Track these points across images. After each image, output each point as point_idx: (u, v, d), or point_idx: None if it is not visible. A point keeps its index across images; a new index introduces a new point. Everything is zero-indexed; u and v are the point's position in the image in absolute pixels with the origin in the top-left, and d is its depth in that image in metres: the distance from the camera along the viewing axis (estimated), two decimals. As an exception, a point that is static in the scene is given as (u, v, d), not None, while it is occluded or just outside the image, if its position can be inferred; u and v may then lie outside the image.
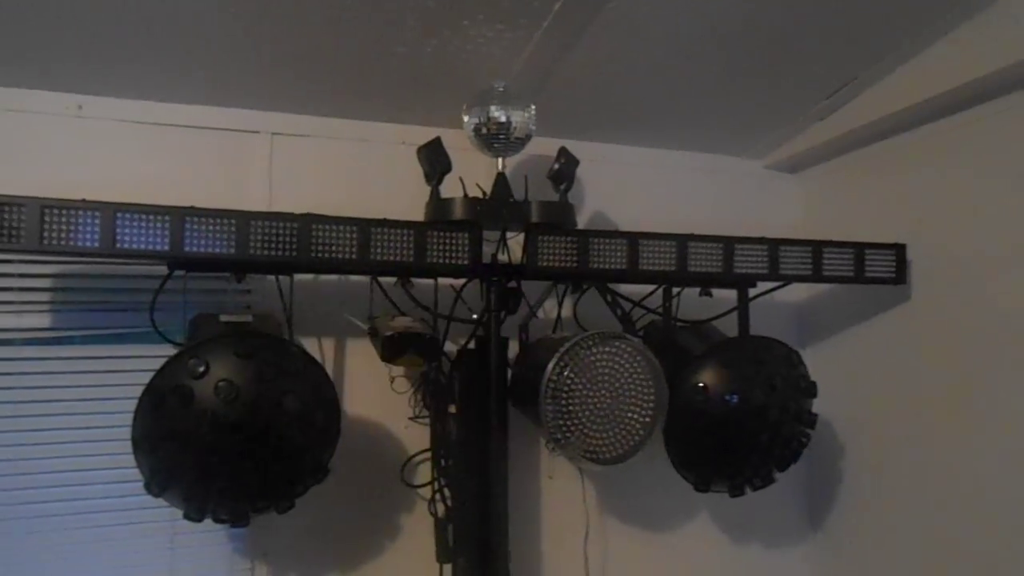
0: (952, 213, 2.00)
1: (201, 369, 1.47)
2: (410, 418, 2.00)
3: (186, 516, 1.51)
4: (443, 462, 1.93)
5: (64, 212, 1.45)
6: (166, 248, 1.52)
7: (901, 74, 1.97)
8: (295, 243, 1.61)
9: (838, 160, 2.39)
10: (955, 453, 1.97)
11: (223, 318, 1.68)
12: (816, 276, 1.99)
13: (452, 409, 1.90)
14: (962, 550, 1.94)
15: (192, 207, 1.53)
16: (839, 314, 2.39)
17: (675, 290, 2.08)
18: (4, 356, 1.80)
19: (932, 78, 1.88)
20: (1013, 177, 1.83)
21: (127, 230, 1.49)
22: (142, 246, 1.50)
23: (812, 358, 2.39)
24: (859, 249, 2.02)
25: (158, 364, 1.48)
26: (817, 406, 1.97)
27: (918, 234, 2.07)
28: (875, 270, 2.03)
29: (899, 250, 2.06)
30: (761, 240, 1.93)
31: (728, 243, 1.90)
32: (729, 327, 2.00)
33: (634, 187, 2.34)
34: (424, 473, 2.02)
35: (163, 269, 1.63)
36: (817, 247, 1.98)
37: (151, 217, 1.51)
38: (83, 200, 1.45)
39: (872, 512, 2.26)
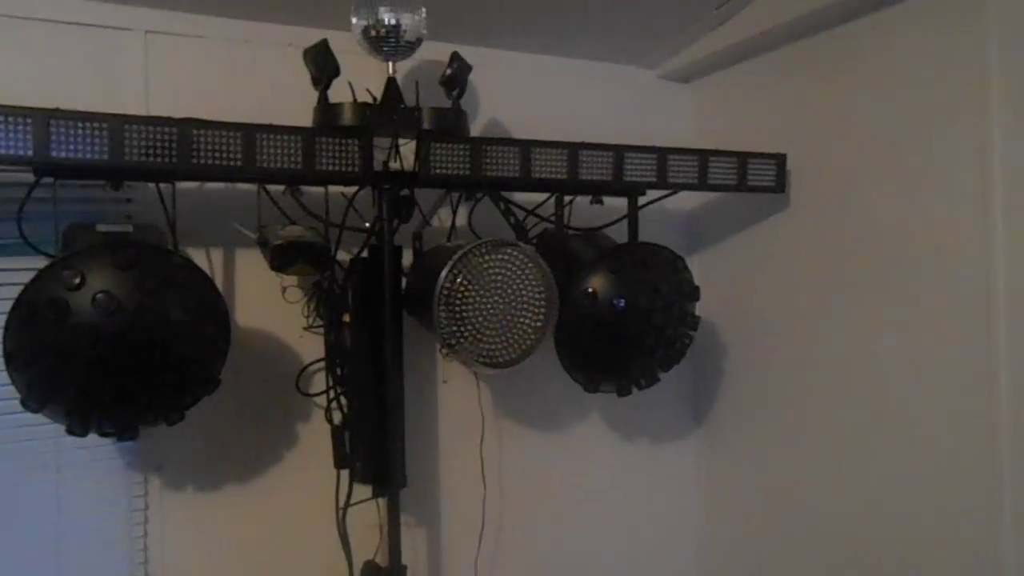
0: (831, 125, 2.08)
1: (76, 280, 1.41)
2: (304, 328, 1.99)
3: (69, 431, 1.48)
4: (339, 370, 1.94)
5: (-90, 113, 1.33)
6: (30, 153, 1.43)
7: (789, -16, 2.01)
8: (175, 149, 1.55)
9: (728, 70, 2.44)
10: (826, 352, 2.11)
11: (100, 228, 1.61)
12: (702, 184, 2.05)
13: (346, 318, 1.90)
14: (832, 440, 2.11)
15: (58, 109, 1.44)
16: (725, 222, 2.49)
17: (567, 198, 2.11)
18: None
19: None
20: (888, 91, 1.91)
21: (-16, 133, 1.39)
22: (2, 151, 1.41)
23: (698, 264, 2.52)
24: (742, 158, 2.09)
25: (28, 277, 1.42)
26: (701, 309, 2.07)
27: (799, 145, 2.16)
28: (757, 179, 2.11)
29: (780, 160, 2.14)
30: (650, 149, 1.97)
31: (618, 151, 1.93)
32: (620, 235, 2.06)
33: (528, 94, 2.33)
34: (320, 382, 2.02)
35: (30, 176, 1.54)
36: (703, 156, 2.03)
37: (12, 119, 1.41)
38: (-69, 100, 1.34)
39: (751, 408, 2.41)
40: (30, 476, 1.82)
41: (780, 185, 2.14)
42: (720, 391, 2.54)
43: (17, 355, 1.40)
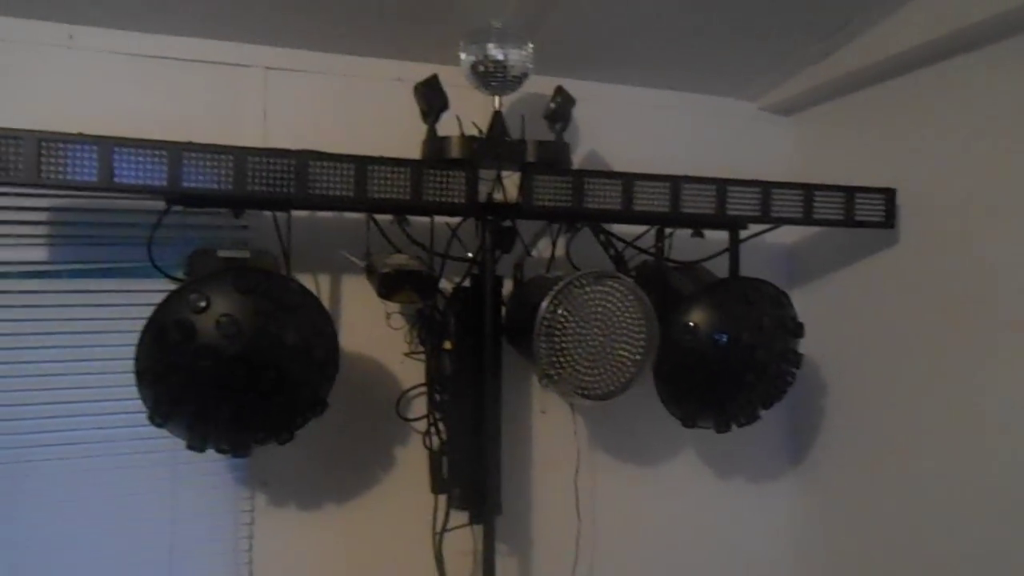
0: (942, 159, 2.01)
1: (203, 304, 1.49)
2: (405, 354, 2.04)
3: (189, 446, 1.56)
4: (438, 397, 1.98)
5: (61, 146, 1.44)
6: (163, 183, 1.52)
7: (896, 18, 1.97)
8: (292, 180, 1.62)
9: (832, 103, 2.39)
10: (933, 397, 2.03)
11: (221, 253, 1.69)
12: (807, 219, 2.01)
13: (447, 345, 1.93)
14: (933, 491, 2.01)
15: (189, 142, 1.53)
16: (829, 257, 2.42)
17: (668, 231, 2.10)
18: (2, 289, 1.81)
19: (927, 23, 1.88)
20: (1003, 125, 1.84)
21: (124, 165, 1.49)
22: (139, 181, 1.50)
23: (801, 299, 2.44)
24: (849, 193, 2.04)
25: (156, 299, 1.50)
26: (804, 346, 2.02)
27: (908, 179, 2.09)
28: (864, 214, 2.06)
29: (888, 194, 2.08)
30: (753, 182, 1.95)
31: (721, 185, 1.92)
32: (720, 268, 2.04)
33: (630, 127, 2.34)
34: (419, 407, 2.06)
35: (161, 204, 1.63)
36: (808, 190, 1.99)
37: (148, 152, 1.50)
38: (80, 134, 1.45)
39: (850, 451, 2.33)
40: (149, 487, 1.92)
41: (889, 220, 2.08)
42: (819, 431, 2.46)
43: (147, 372, 1.48)
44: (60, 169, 1.45)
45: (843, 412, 2.37)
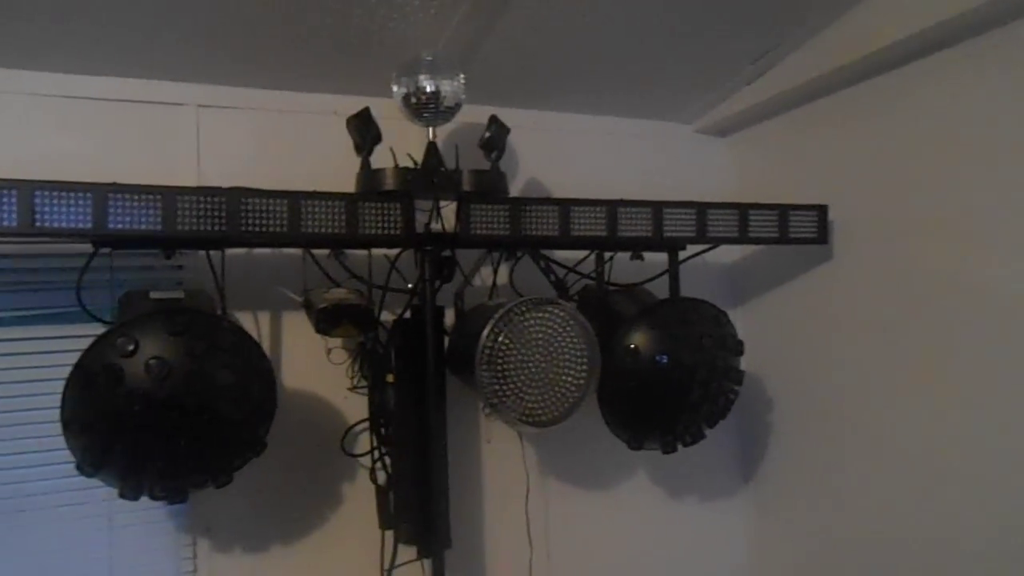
0: (872, 174, 2.07)
1: (131, 347, 1.45)
2: (349, 389, 2.01)
3: (121, 495, 1.51)
4: (383, 431, 1.95)
5: (-22, 191, 1.41)
6: (89, 226, 1.49)
7: (823, 38, 2.03)
8: (224, 218, 1.60)
9: (765, 123, 2.45)
10: (875, 406, 2.07)
11: (153, 295, 1.65)
12: (743, 238, 2.05)
13: (390, 378, 1.91)
14: (884, 499, 2.05)
15: (115, 183, 1.51)
16: (768, 274, 2.47)
17: (607, 254, 2.12)
18: (-75, 340, 1.75)
19: (853, 42, 1.94)
20: (930, 140, 1.90)
21: (47, 208, 1.46)
22: (64, 224, 1.47)
23: (743, 317, 2.50)
24: (783, 210, 2.08)
25: (87, 344, 1.47)
26: (746, 363, 2.04)
27: (840, 196, 2.14)
28: (798, 231, 2.10)
29: (821, 211, 2.13)
30: (689, 204, 1.98)
31: (657, 207, 1.94)
32: (661, 290, 2.06)
33: (566, 153, 2.36)
34: (364, 442, 2.03)
35: (88, 247, 1.60)
36: (743, 209, 2.03)
37: (71, 194, 1.48)
38: (-2, 178, 1.42)
39: (800, 463, 2.36)
40: (84, 538, 1.85)
41: (822, 236, 2.12)
42: (768, 447, 2.49)
43: (74, 421, 1.44)
44: (-21, 214, 1.41)
45: (790, 426, 2.40)
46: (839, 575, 2.21)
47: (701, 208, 1.99)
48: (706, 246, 2.08)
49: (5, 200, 1.42)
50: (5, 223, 1.42)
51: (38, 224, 1.45)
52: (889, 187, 2.02)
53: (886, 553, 2.04)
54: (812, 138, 2.28)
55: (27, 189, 1.44)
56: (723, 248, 2.15)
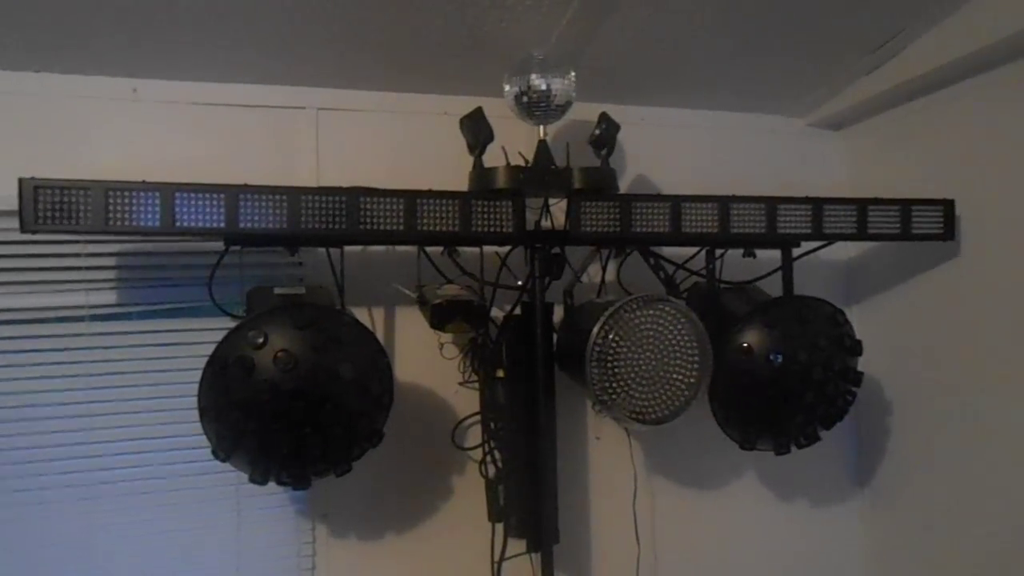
0: (1003, 167, 1.96)
1: (261, 340, 1.53)
2: (459, 383, 2.06)
3: (251, 480, 1.59)
4: (492, 425, 1.98)
5: (126, 194, 1.51)
6: (222, 225, 1.57)
7: (948, 25, 1.93)
8: (344, 216, 1.66)
9: (884, 116, 2.35)
10: (1003, 411, 1.96)
11: (277, 291, 1.74)
12: (861, 234, 1.97)
13: (500, 374, 1.94)
14: (1007, 506, 1.94)
15: (245, 185, 1.59)
16: (887, 272, 2.37)
17: (718, 252, 2.09)
18: (74, 332, 1.89)
19: (980, 28, 1.84)
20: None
21: (185, 209, 1.55)
22: (199, 223, 1.56)
23: (859, 316, 2.42)
24: (905, 206, 1.99)
25: (217, 336, 1.55)
26: (864, 364, 1.97)
27: (968, 190, 2.04)
28: (922, 227, 2.01)
29: (947, 206, 2.03)
30: (804, 200, 1.92)
31: (771, 203, 1.90)
32: (774, 288, 2.01)
33: (676, 149, 2.34)
34: (474, 436, 2.08)
35: (219, 245, 1.69)
36: (862, 205, 1.96)
37: (207, 196, 1.56)
38: (143, 182, 1.52)
39: (919, 470, 2.26)
40: (215, 520, 1.97)
41: (949, 232, 2.03)
42: (886, 451, 2.39)
43: (209, 408, 1.53)
44: (126, 215, 1.52)
45: (911, 430, 2.30)
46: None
47: (817, 204, 1.93)
48: (821, 243, 2.02)
49: (149, 202, 1.52)
50: (150, 223, 1.52)
51: (178, 224, 1.54)
52: (1020, 181, 1.90)
53: (1008, 564, 1.93)
54: (935, 130, 2.17)
55: (168, 191, 1.54)
56: (838, 245, 2.08)
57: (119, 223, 1.52)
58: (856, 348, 1.93)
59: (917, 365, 2.25)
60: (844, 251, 2.46)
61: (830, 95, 2.35)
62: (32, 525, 1.87)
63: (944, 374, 2.15)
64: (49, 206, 1.47)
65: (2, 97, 1.85)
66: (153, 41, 1.78)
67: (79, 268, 1.88)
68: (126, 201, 1.52)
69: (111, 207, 1.50)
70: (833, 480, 2.49)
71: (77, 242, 1.85)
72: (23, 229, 1.47)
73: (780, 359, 1.83)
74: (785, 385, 1.86)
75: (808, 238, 1.95)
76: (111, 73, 1.91)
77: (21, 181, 1.46)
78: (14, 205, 1.46)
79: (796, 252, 2.01)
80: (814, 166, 2.48)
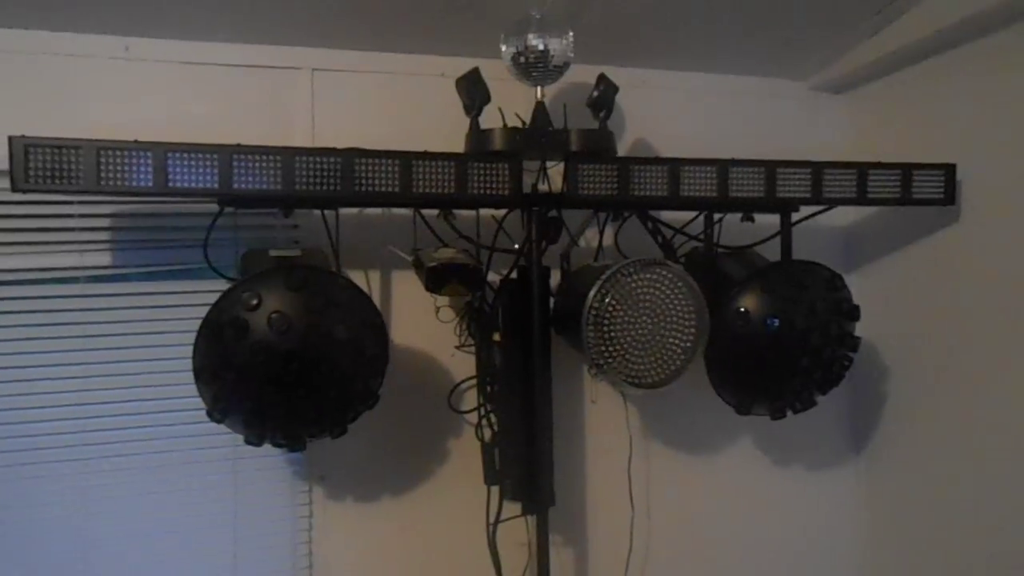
0: (1005, 132, 1.94)
1: (255, 302, 1.53)
2: (456, 347, 2.05)
3: (247, 441, 1.60)
4: (489, 388, 1.99)
5: (118, 153, 1.50)
6: (215, 186, 1.56)
7: (951, -14, 1.90)
8: (339, 178, 1.65)
9: (886, 79, 2.32)
10: (1001, 377, 1.96)
11: (272, 252, 1.73)
12: (861, 199, 1.96)
13: (496, 337, 1.94)
14: (1007, 474, 1.95)
15: (239, 145, 1.57)
16: (887, 237, 2.36)
17: (717, 216, 2.07)
18: (69, 294, 1.88)
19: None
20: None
21: (178, 169, 1.54)
22: (193, 184, 1.55)
23: (859, 282, 2.41)
24: (906, 170, 1.98)
25: (212, 298, 1.55)
26: (862, 329, 1.97)
27: (970, 154, 2.02)
28: (923, 191, 1.99)
29: (948, 170, 2.01)
30: (804, 163, 1.91)
31: (770, 167, 1.88)
32: (772, 253, 2.00)
33: (676, 112, 2.31)
34: (471, 399, 2.08)
35: (214, 206, 1.68)
36: (862, 169, 1.94)
37: (200, 156, 1.55)
38: (136, 141, 1.50)
39: (916, 435, 2.27)
40: (212, 482, 1.98)
41: (950, 197, 2.01)
42: (882, 416, 2.40)
43: (204, 370, 1.53)
44: (118, 175, 1.51)
45: (907, 396, 2.30)
46: (956, 557, 2.12)
47: (817, 168, 1.91)
48: (820, 208, 2.00)
49: (142, 162, 1.51)
50: (142, 183, 1.51)
51: (171, 184, 1.53)
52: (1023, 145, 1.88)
53: (1009, 537, 1.94)
54: (938, 94, 2.14)
55: (160, 151, 1.52)
56: (837, 210, 2.06)
57: (111, 183, 1.50)
58: (854, 313, 1.93)
59: (915, 330, 2.25)
60: (843, 216, 2.44)
61: (833, 58, 2.32)
62: (26, 488, 1.87)
63: (942, 339, 2.15)
64: (40, 165, 1.46)
65: (-10, 54, 1.82)
66: (143, -2, 1.75)
67: (72, 229, 1.86)
68: (118, 161, 1.50)
69: (103, 167, 1.49)
70: (829, 445, 2.50)
71: (70, 202, 1.84)
72: (14, 188, 1.45)
73: (777, 324, 1.83)
74: (782, 350, 1.86)
75: (807, 202, 1.94)
76: (103, 31, 1.87)
77: (11, 140, 1.44)
78: (4, 165, 1.45)
79: (795, 217, 2.00)
80: (815, 130, 2.45)
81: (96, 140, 1.48)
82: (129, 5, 1.77)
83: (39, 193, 1.49)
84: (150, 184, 1.52)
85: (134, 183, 1.52)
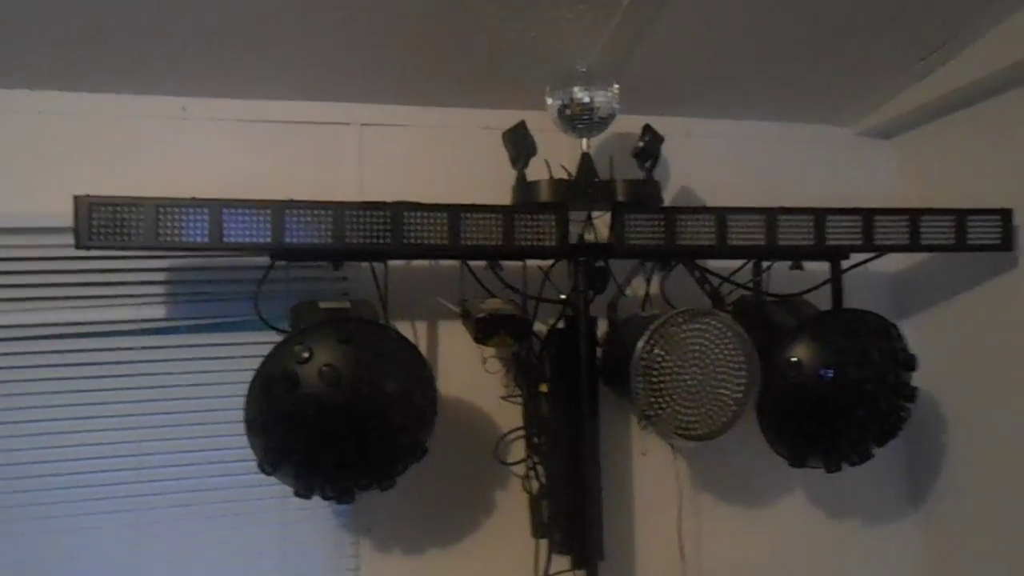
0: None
1: (306, 355, 1.54)
2: (503, 397, 2.05)
3: (296, 493, 1.60)
4: (536, 439, 1.97)
5: (176, 210, 1.54)
6: (268, 240, 1.60)
7: (999, 32, 1.89)
8: (388, 231, 1.67)
9: (935, 124, 2.29)
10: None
11: (322, 305, 1.75)
12: (914, 245, 1.92)
13: (543, 388, 1.93)
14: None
15: (291, 200, 1.60)
16: (940, 284, 2.30)
17: (765, 264, 2.05)
18: (125, 346, 1.93)
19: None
20: None
21: (232, 224, 1.57)
22: (246, 239, 1.58)
23: (913, 330, 2.34)
24: (960, 216, 1.94)
25: (263, 350, 1.57)
26: (919, 380, 1.92)
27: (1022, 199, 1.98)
28: (978, 237, 1.95)
29: (1005, 215, 1.97)
30: (853, 210, 1.88)
31: (819, 215, 1.86)
32: (822, 301, 1.97)
33: (722, 160, 2.31)
34: (517, 451, 2.06)
35: (265, 260, 1.71)
36: (914, 215, 1.91)
37: (254, 211, 1.59)
38: (192, 198, 1.54)
39: (974, 490, 2.19)
40: (261, 533, 1.99)
41: (1007, 243, 1.96)
42: (940, 470, 2.32)
43: (255, 422, 1.55)
44: (175, 231, 1.55)
45: (966, 448, 2.23)
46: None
47: (867, 214, 1.89)
48: (872, 254, 1.97)
49: (198, 218, 1.55)
50: (198, 238, 1.55)
51: (225, 240, 1.57)
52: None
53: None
54: (990, 138, 2.11)
55: (216, 207, 1.56)
56: (888, 257, 2.02)
57: (169, 239, 1.55)
58: (910, 363, 1.88)
59: (973, 380, 2.18)
60: (894, 263, 2.40)
61: (879, 103, 2.31)
62: (81, 539, 1.89)
63: (1001, 390, 2.08)
64: (102, 223, 1.51)
65: (56, 117, 1.89)
66: (201, 59, 1.82)
67: (130, 283, 1.91)
68: (176, 217, 1.55)
69: (161, 223, 1.53)
70: (886, 498, 2.42)
71: (128, 257, 1.89)
72: (78, 245, 1.50)
73: (830, 374, 1.79)
74: (836, 401, 1.81)
75: (858, 249, 1.91)
76: (161, 92, 1.95)
77: (76, 199, 1.49)
78: (68, 222, 1.49)
79: (845, 264, 1.97)
80: (864, 176, 2.43)
81: (155, 198, 1.53)
82: (186, 67, 1.84)
83: (100, 249, 1.54)
84: (206, 239, 1.56)
85: (190, 238, 1.56)
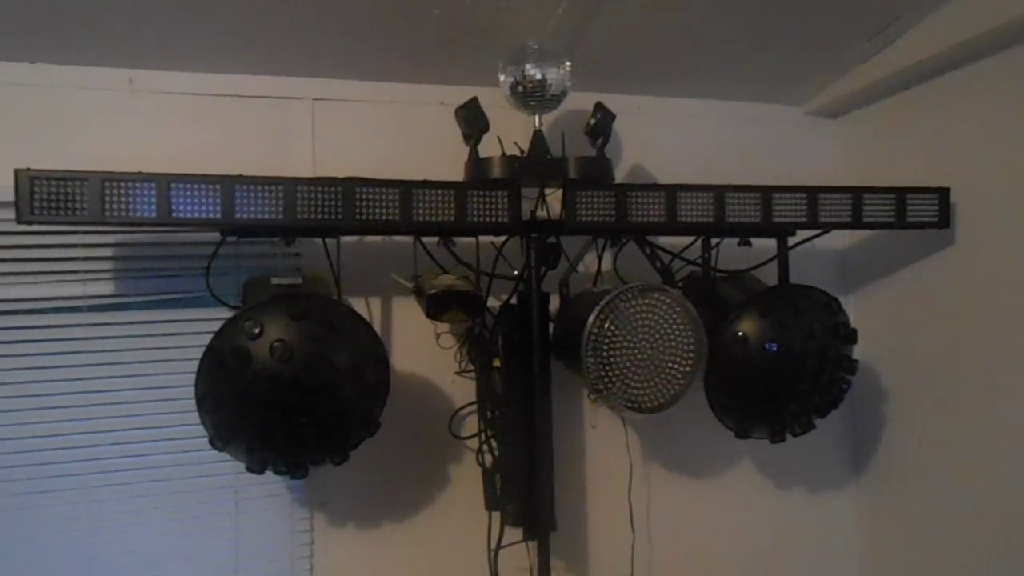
0: (998, 155, 1.96)
1: (257, 330, 1.54)
2: (456, 372, 2.06)
3: (248, 469, 1.61)
4: (489, 414, 1.99)
5: (122, 184, 1.51)
6: (218, 216, 1.58)
7: (944, 13, 1.93)
8: (340, 207, 1.66)
9: (880, 104, 2.35)
10: (998, 398, 1.97)
11: (274, 281, 1.75)
12: (856, 223, 1.97)
13: (496, 363, 1.95)
14: (1005, 495, 1.95)
15: (241, 175, 1.59)
16: (882, 260, 2.38)
17: (714, 241, 2.09)
18: (72, 323, 1.90)
19: (976, 16, 1.84)
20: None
21: (181, 200, 1.55)
22: (196, 214, 1.56)
23: (855, 305, 2.42)
24: (901, 194, 2.00)
25: (214, 326, 1.56)
26: (860, 352, 1.98)
27: (963, 177, 2.04)
28: (917, 215, 2.01)
29: (942, 194, 2.03)
30: (799, 188, 1.93)
31: (766, 192, 1.90)
32: (770, 277, 2.02)
33: (672, 138, 2.34)
34: (471, 425, 2.09)
35: (216, 236, 1.70)
36: (857, 194, 1.96)
37: (203, 186, 1.56)
38: (139, 172, 1.52)
39: (915, 457, 2.27)
40: (214, 509, 1.99)
41: (944, 220, 2.03)
42: (881, 438, 2.40)
43: (206, 398, 1.54)
44: (122, 206, 1.52)
45: (906, 419, 2.31)
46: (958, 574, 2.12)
47: (812, 192, 1.93)
48: (817, 232, 2.02)
49: (146, 193, 1.52)
50: (146, 214, 1.53)
51: (174, 215, 1.55)
52: (1016, 168, 1.90)
53: (1009, 556, 1.94)
54: (932, 118, 2.17)
55: (164, 182, 1.54)
56: (833, 234, 2.08)
57: (116, 214, 1.52)
58: (851, 336, 1.94)
59: (912, 353, 2.26)
60: (839, 240, 2.46)
61: (827, 83, 2.35)
62: (30, 516, 1.87)
63: (939, 362, 2.16)
64: (45, 197, 1.48)
65: (-3, 87, 1.85)
66: (150, 32, 1.78)
67: (76, 259, 1.88)
68: (122, 192, 1.52)
69: (107, 198, 1.51)
70: (829, 467, 2.51)
71: (74, 232, 1.85)
72: (19, 220, 1.47)
73: (775, 347, 1.84)
74: (780, 373, 1.87)
75: (803, 226, 1.96)
76: (107, 64, 1.90)
77: (17, 172, 1.46)
78: (10, 196, 1.46)
79: (792, 241, 2.02)
80: (811, 154, 2.48)
81: (100, 172, 1.50)
82: (134, 38, 1.80)
83: (44, 224, 1.51)
84: (154, 215, 1.54)
85: (138, 214, 1.53)
